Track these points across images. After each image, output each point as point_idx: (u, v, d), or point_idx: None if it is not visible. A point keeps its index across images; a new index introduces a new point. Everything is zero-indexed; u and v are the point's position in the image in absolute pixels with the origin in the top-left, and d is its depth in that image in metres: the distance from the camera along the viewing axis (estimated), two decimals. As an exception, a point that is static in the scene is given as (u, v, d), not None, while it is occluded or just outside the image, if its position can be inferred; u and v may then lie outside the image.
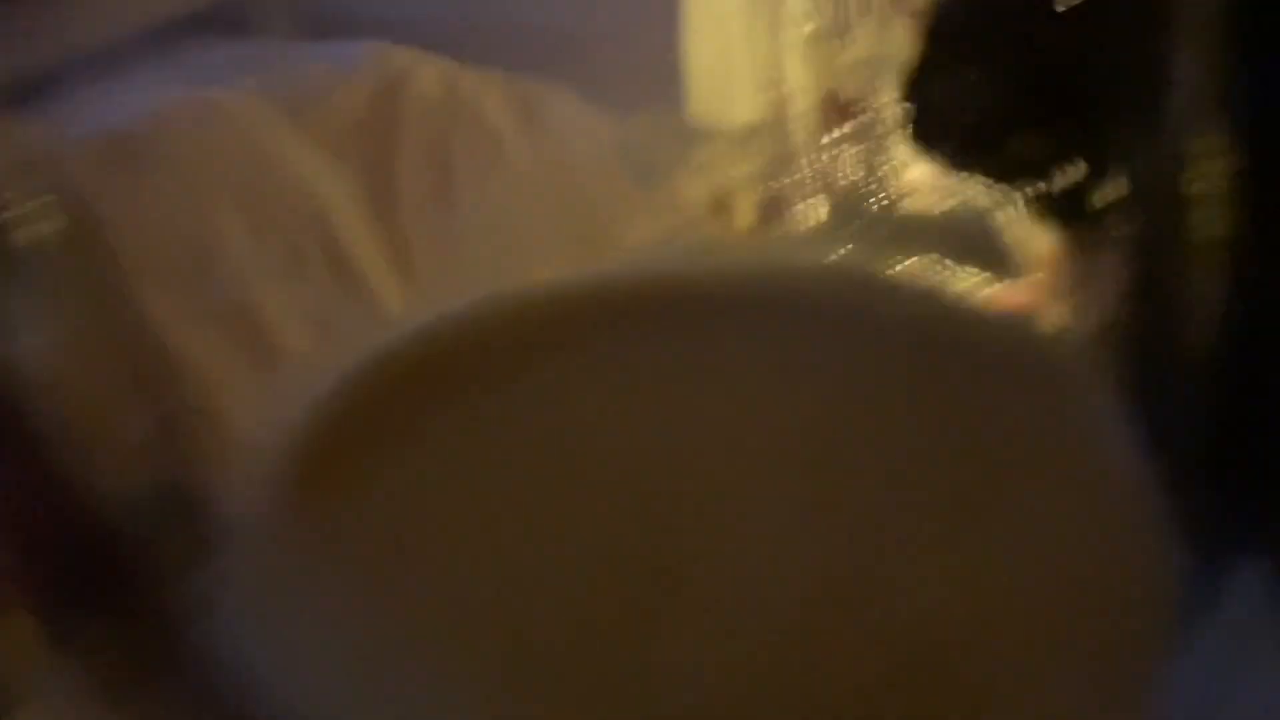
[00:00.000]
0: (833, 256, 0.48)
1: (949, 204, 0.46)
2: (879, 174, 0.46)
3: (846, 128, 0.46)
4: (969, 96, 0.44)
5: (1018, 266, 0.46)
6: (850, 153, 0.46)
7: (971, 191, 0.45)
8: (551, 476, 0.47)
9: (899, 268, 0.47)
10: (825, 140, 0.45)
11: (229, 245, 0.46)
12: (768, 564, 0.45)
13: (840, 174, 0.46)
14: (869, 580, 0.44)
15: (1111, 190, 0.43)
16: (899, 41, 0.45)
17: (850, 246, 0.47)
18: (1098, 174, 0.44)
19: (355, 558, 0.43)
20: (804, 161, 0.46)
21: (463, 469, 0.46)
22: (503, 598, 0.43)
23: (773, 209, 0.46)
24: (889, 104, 0.46)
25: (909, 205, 0.46)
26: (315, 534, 0.44)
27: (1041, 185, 0.44)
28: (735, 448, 0.47)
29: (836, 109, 0.46)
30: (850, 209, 0.47)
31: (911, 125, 0.45)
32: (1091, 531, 0.45)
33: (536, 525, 0.45)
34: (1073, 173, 0.44)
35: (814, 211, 0.47)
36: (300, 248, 0.46)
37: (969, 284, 0.47)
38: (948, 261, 0.47)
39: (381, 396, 0.47)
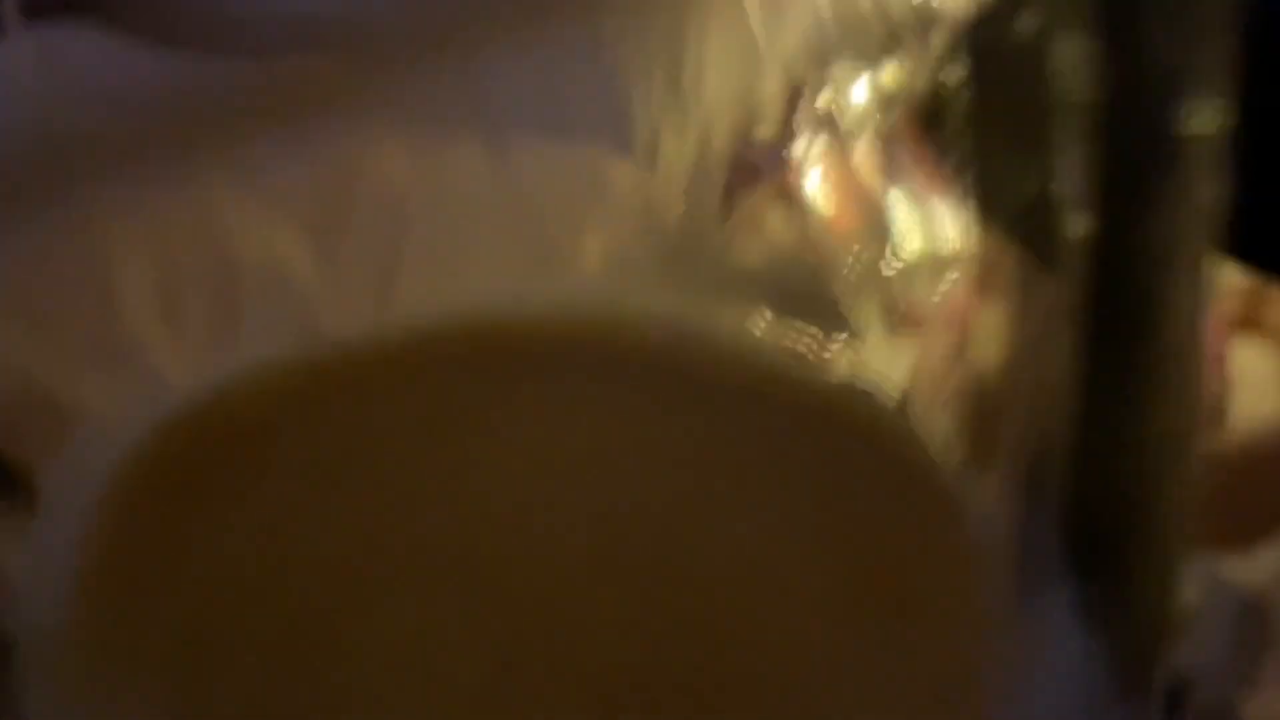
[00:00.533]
0: (661, 303, 0.46)
1: (784, 253, 0.44)
2: (709, 213, 0.44)
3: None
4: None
5: (855, 325, 0.44)
6: (679, 187, 0.44)
7: (808, 238, 0.43)
8: (361, 542, 0.45)
9: (731, 320, 0.46)
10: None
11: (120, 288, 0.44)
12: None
13: (668, 208, 0.44)
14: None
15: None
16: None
17: (679, 291, 0.45)
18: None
19: (156, 658, 0.41)
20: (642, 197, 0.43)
21: (264, 539, 0.45)
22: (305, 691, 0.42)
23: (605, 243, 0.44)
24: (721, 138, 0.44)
25: (741, 249, 0.45)
26: (113, 632, 0.41)
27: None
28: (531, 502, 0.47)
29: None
30: (680, 249, 0.45)
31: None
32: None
33: (338, 599, 0.44)
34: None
35: (639, 249, 0.45)
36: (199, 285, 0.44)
37: (803, 341, 0.45)
38: (782, 315, 0.45)
39: (181, 463, 0.45)
